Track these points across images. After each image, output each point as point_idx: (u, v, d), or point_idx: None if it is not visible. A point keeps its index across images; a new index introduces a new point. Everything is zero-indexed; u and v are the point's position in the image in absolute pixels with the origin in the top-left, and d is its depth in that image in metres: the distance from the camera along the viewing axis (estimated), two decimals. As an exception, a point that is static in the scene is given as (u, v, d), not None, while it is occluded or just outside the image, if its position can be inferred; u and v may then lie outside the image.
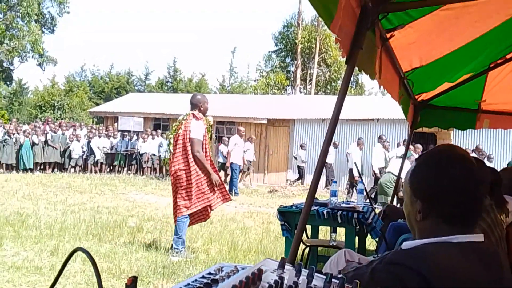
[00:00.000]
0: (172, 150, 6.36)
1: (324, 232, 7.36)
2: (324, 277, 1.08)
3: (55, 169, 20.32)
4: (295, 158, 20.67)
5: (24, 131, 19.75)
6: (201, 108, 6.46)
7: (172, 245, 6.45)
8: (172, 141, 6.42)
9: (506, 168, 4.05)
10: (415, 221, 1.59)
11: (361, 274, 1.57)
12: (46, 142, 19.59)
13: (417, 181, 1.58)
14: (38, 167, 19.69)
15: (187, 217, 6.31)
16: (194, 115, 6.36)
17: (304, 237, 5.05)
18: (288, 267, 1.12)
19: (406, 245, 1.57)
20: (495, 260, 1.50)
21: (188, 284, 1.01)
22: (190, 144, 6.21)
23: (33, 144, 19.24)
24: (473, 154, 15.26)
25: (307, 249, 5.14)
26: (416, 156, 8.93)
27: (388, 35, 3.26)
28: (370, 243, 6.83)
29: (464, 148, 2.62)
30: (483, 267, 1.44)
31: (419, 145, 14.93)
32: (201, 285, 0.98)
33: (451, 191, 1.51)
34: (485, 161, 15.93)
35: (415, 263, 1.40)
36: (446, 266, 1.40)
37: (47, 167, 19.89)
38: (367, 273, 1.50)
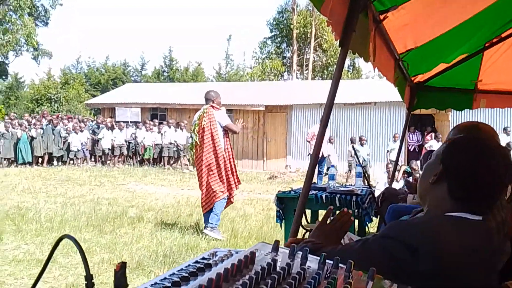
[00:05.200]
0: (198, 141, 6.86)
1: (324, 216, 7.38)
2: (318, 258, 1.08)
3: (57, 162, 20.26)
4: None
5: (21, 125, 19.70)
6: (215, 102, 7.03)
7: (206, 224, 6.92)
8: (196, 133, 6.92)
9: None
10: (428, 184, 1.59)
11: (349, 247, 1.57)
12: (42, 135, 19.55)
13: (452, 154, 1.57)
14: (36, 161, 19.66)
15: (225, 199, 6.94)
16: (213, 107, 6.97)
17: (304, 222, 5.06)
18: (282, 249, 1.12)
19: (402, 219, 1.58)
20: (488, 236, 1.50)
21: (182, 269, 1.01)
22: (216, 132, 6.83)
23: (32, 139, 19.21)
24: (502, 135, 15.55)
25: (307, 234, 5.15)
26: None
27: (381, 17, 3.24)
28: (372, 226, 6.85)
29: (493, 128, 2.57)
30: (475, 241, 1.43)
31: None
32: (194, 270, 0.98)
33: (480, 180, 1.50)
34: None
35: (405, 235, 1.40)
36: (436, 237, 1.40)
37: (44, 160, 19.81)
38: (358, 245, 1.50)
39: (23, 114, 24.06)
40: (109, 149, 20.91)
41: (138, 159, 21.60)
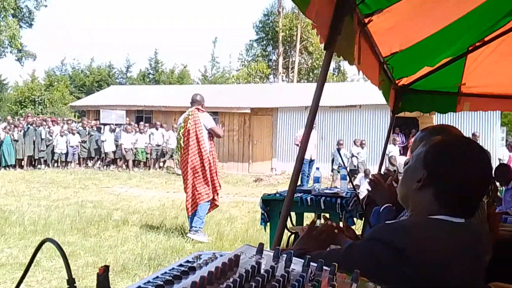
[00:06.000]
0: (183, 144, 6.91)
1: (309, 219, 7.38)
2: (303, 261, 1.08)
3: (41, 165, 20.03)
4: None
5: (4, 128, 19.48)
6: (202, 105, 7.12)
7: (190, 228, 6.94)
8: (181, 135, 6.96)
9: None
10: (411, 190, 1.59)
11: (335, 251, 1.57)
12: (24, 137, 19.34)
13: (434, 156, 1.57)
14: (20, 164, 19.44)
15: (208, 202, 6.99)
16: (198, 109, 7.02)
17: (289, 225, 5.06)
18: (266, 252, 1.12)
19: (387, 222, 1.58)
20: (474, 237, 1.51)
21: (166, 272, 1.00)
22: (201, 135, 6.87)
23: (15, 141, 19.01)
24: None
25: (292, 237, 5.15)
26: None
27: (366, 20, 3.25)
28: (357, 229, 6.87)
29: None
30: (460, 243, 1.45)
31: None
32: (178, 273, 0.98)
33: (463, 182, 1.50)
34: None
35: (390, 238, 1.41)
36: (422, 239, 1.41)
37: (26, 162, 19.59)
38: (343, 250, 1.50)
39: (6, 117, 23.75)
40: (113, 152, 20.64)
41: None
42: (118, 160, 20.81)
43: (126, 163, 20.45)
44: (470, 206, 1.53)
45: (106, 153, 20.66)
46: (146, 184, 15.25)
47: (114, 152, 20.64)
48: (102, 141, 20.46)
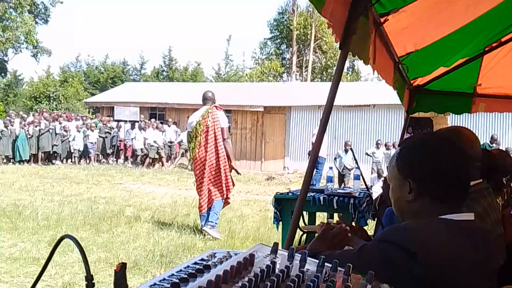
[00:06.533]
0: (202, 141, 6.91)
1: (321, 218, 7.38)
2: (317, 261, 1.08)
3: (56, 160, 20.20)
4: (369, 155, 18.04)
5: (20, 123, 19.67)
6: (214, 102, 7.12)
7: (204, 223, 6.93)
8: (200, 133, 6.93)
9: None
10: (405, 202, 1.58)
11: (347, 251, 1.57)
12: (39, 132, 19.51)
13: (407, 162, 1.58)
14: (34, 159, 19.63)
15: (223, 199, 7.06)
16: (217, 107, 7.07)
17: (302, 224, 5.06)
18: (281, 252, 1.12)
19: (398, 223, 1.58)
20: (483, 239, 1.51)
21: (181, 270, 1.01)
22: (221, 132, 6.93)
23: (30, 136, 19.19)
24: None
25: (304, 236, 5.16)
26: None
27: (381, 20, 3.24)
28: (369, 229, 6.85)
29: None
30: (470, 245, 1.44)
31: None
32: (193, 271, 0.98)
33: (439, 170, 1.52)
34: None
35: (402, 239, 1.40)
36: (433, 241, 1.40)
37: (41, 158, 19.79)
38: (355, 251, 1.50)
39: (18, 112, 23.97)
40: (141, 149, 20.69)
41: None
42: (143, 156, 20.85)
43: (151, 160, 20.62)
44: (457, 190, 1.54)
45: (135, 150, 20.74)
46: (159, 181, 15.31)
47: (141, 149, 20.73)
48: (132, 138, 20.57)
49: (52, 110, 30.39)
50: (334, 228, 1.86)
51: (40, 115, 21.58)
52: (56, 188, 11.99)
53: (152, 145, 20.28)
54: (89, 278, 0.98)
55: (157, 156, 20.63)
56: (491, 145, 16.13)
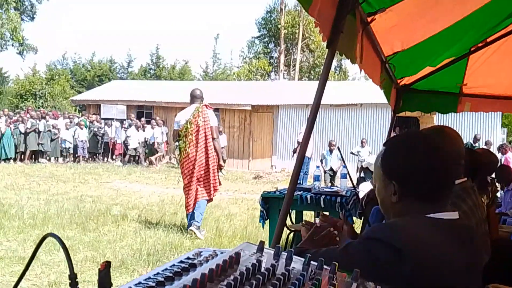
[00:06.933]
0: (194, 140, 6.85)
1: (309, 217, 7.40)
2: (303, 259, 1.08)
3: (42, 158, 20.05)
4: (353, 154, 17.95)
5: (6, 121, 19.49)
6: (203, 100, 7.10)
7: (190, 223, 6.91)
8: (191, 132, 6.86)
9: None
10: (390, 203, 1.58)
11: (333, 249, 1.57)
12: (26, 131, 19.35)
13: (389, 163, 1.59)
14: (20, 157, 19.46)
15: (207, 199, 7.02)
16: (207, 106, 7.03)
17: (289, 222, 5.07)
18: (267, 250, 1.12)
19: (385, 221, 1.59)
20: (468, 236, 1.52)
21: (166, 268, 1.01)
22: (210, 132, 6.91)
23: (15, 134, 19.02)
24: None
25: (291, 235, 5.16)
26: None
27: (369, 19, 3.25)
28: (356, 228, 6.89)
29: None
30: (455, 242, 1.45)
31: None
32: (179, 270, 0.98)
33: (419, 169, 1.52)
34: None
35: (387, 237, 1.40)
36: (418, 238, 1.41)
37: (27, 156, 19.62)
38: (341, 249, 1.50)
39: (3, 110, 23.75)
40: (134, 149, 20.78)
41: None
42: (140, 155, 20.90)
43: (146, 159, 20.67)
44: (438, 189, 1.54)
45: (134, 149, 20.78)
46: (146, 179, 15.25)
47: (135, 149, 20.81)
48: (127, 137, 20.61)
49: (38, 108, 30.11)
50: (317, 225, 1.88)
51: (26, 113, 21.37)
52: (43, 186, 11.90)
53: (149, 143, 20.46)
54: (72, 276, 0.97)
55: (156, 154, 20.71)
56: (474, 145, 16.29)
